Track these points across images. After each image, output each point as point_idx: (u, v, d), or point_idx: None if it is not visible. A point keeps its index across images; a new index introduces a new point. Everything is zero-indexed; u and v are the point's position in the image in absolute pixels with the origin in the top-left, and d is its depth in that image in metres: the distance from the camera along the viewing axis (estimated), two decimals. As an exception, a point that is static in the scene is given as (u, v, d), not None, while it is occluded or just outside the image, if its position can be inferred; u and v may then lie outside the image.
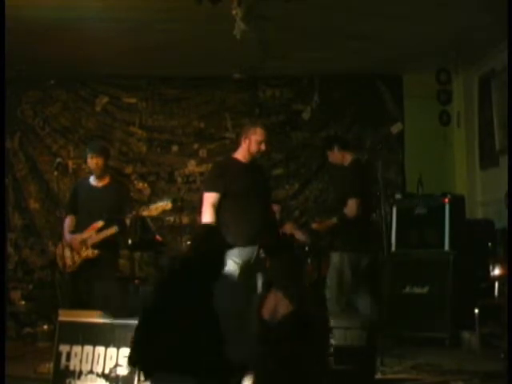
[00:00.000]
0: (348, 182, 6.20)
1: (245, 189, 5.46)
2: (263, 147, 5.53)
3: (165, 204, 6.14)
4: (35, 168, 8.35)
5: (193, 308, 3.63)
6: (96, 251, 6.16)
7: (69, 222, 6.29)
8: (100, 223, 6.16)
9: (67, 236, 6.22)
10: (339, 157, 6.32)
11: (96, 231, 6.14)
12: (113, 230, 6.15)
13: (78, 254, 6.18)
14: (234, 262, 5.40)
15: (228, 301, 4.98)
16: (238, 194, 5.45)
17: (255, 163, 5.74)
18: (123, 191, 6.52)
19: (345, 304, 6.05)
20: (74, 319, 5.24)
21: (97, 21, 6.36)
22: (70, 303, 5.78)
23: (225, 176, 5.52)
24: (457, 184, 8.20)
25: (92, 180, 6.36)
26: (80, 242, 6.15)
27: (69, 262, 6.16)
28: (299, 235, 7.22)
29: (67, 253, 6.19)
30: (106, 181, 6.34)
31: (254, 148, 5.55)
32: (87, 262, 6.16)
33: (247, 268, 5.46)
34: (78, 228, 6.23)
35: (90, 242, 6.17)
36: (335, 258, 6.14)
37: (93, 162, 6.23)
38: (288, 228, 7.23)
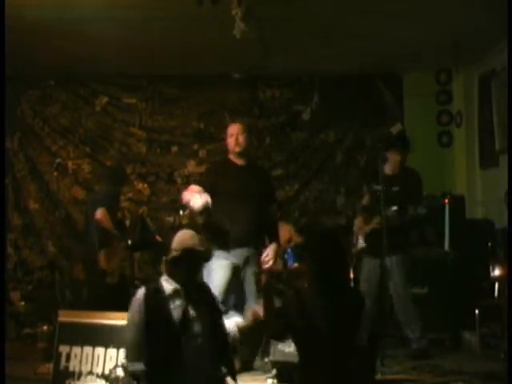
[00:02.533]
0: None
1: (236, 190, 5.42)
2: (236, 140, 5.49)
3: None
4: (35, 168, 8.34)
5: None
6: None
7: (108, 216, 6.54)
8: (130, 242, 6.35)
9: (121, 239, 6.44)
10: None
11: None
12: None
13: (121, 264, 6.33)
14: (222, 263, 5.39)
15: None
16: (228, 195, 5.40)
17: (253, 164, 5.71)
18: None
19: None
20: (73, 320, 5.24)
21: (96, 20, 6.35)
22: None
23: (215, 176, 5.52)
24: (457, 184, 8.19)
25: None
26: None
27: (116, 272, 6.27)
28: (297, 238, 7.22)
29: (114, 263, 6.27)
30: None
31: (228, 144, 5.55)
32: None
33: (238, 269, 5.44)
34: None
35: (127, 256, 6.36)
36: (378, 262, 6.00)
37: None
38: (286, 231, 7.23)
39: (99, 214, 6.49)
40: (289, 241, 7.16)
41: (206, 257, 4.39)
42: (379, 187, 5.82)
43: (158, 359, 3.93)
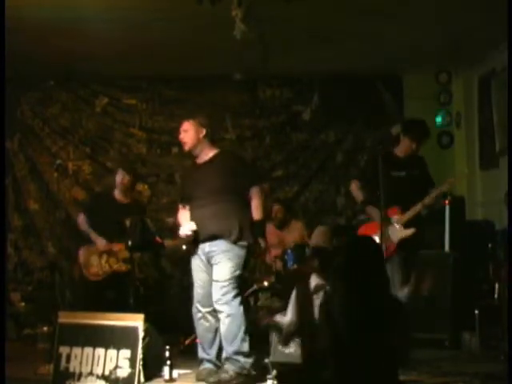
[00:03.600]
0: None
1: (194, 190, 5.35)
2: (181, 140, 5.36)
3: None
4: (35, 169, 8.35)
5: None
6: (128, 266, 6.29)
7: (85, 220, 6.54)
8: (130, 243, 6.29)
9: (96, 237, 6.29)
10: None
11: (126, 248, 6.29)
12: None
13: (109, 264, 6.28)
14: (194, 261, 5.41)
15: None
16: (190, 196, 5.40)
17: (215, 158, 5.39)
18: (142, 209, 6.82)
19: None
20: (74, 321, 5.25)
21: (96, 21, 6.36)
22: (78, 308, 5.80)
23: (183, 183, 5.68)
24: (457, 185, 8.18)
25: (117, 195, 6.62)
26: (110, 251, 6.28)
27: (96, 270, 6.25)
28: (306, 238, 7.22)
29: (95, 260, 6.27)
30: (129, 199, 6.65)
31: None
32: (115, 275, 6.28)
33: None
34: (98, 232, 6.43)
35: (121, 256, 6.29)
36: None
37: (125, 179, 6.56)
38: (296, 230, 7.23)
39: (78, 219, 6.71)
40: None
41: (332, 252, 4.56)
42: (402, 173, 5.77)
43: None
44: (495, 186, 7.23)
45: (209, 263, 5.30)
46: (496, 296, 6.11)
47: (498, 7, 5.58)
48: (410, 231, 5.66)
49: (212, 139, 5.40)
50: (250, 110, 8.50)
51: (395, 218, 5.71)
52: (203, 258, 5.33)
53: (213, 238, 5.24)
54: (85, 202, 7.14)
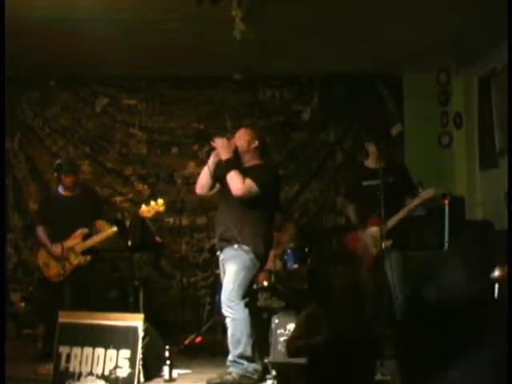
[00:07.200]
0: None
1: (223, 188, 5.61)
2: None
3: (156, 205, 6.26)
4: (35, 169, 8.35)
5: None
6: (88, 257, 6.29)
7: (43, 230, 6.56)
8: (85, 230, 6.30)
9: (49, 244, 6.35)
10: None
11: (82, 238, 6.29)
12: (110, 230, 6.29)
13: (68, 261, 6.28)
14: None
15: None
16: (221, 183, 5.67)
17: (255, 168, 5.60)
18: (94, 197, 6.85)
19: None
20: (73, 321, 5.26)
21: (96, 21, 6.35)
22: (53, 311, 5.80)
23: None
24: (456, 185, 8.19)
25: (61, 190, 6.61)
26: (66, 250, 6.26)
27: (57, 270, 6.27)
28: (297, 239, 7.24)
29: (53, 262, 6.28)
30: (77, 190, 6.61)
31: None
32: (78, 269, 6.29)
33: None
34: (53, 237, 6.43)
35: (78, 249, 6.29)
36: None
37: (67, 180, 6.50)
38: (289, 233, 7.23)
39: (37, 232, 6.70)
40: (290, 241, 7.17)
41: None
42: (375, 182, 5.84)
43: None
44: (495, 186, 7.22)
45: (224, 273, 5.43)
46: (496, 296, 6.11)
47: (498, 7, 5.58)
48: (388, 243, 5.77)
49: (264, 151, 5.58)
50: (250, 109, 8.49)
51: (374, 229, 5.88)
52: (221, 266, 5.48)
53: (222, 245, 5.39)
54: (38, 211, 7.12)
